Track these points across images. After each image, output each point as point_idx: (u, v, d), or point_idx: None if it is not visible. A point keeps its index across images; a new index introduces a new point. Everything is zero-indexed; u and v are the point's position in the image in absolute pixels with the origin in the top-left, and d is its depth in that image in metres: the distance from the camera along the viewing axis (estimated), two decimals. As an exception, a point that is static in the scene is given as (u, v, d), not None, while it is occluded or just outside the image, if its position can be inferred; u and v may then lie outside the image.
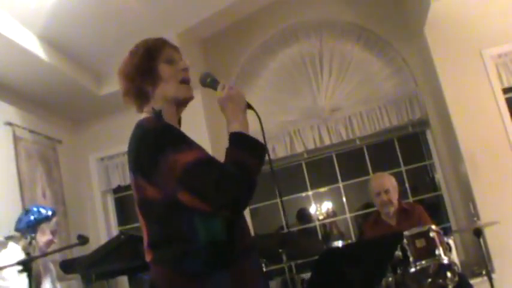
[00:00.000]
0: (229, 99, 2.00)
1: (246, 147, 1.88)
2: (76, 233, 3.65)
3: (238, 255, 1.89)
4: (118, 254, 3.73)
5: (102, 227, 6.13)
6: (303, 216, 6.56)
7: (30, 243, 3.74)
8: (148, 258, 1.93)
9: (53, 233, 3.91)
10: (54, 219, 3.96)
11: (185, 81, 2.11)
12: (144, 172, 1.89)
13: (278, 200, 5.62)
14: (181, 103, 2.13)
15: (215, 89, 2.09)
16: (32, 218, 3.84)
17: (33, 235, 3.78)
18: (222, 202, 1.75)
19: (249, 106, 2.04)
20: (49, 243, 3.87)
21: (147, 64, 2.09)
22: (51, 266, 4.01)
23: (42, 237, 3.84)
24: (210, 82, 2.14)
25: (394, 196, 4.58)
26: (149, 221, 1.95)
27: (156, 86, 2.08)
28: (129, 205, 6.48)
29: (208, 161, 1.83)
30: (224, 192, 1.75)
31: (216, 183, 1.74)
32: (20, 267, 3.12)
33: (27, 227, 3.81)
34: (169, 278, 1.86)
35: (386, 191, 4.56)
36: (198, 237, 1.84)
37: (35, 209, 3.93)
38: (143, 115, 2.10)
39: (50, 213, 3.95)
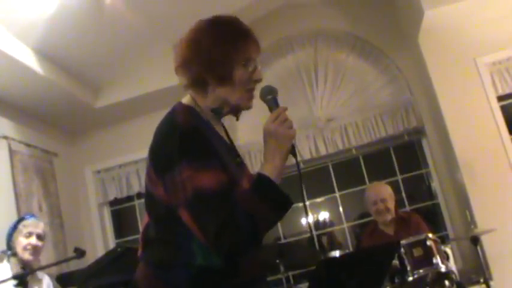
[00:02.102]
0: (273, 136, 1.76)
1: (268, 199, 1.67)
2: (73, 246, 3.63)
3: (238, 286, 1.77)
4: (115, 266, 3.71)
5: (99, 239, 6.11)
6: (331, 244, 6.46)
7: (8, 261, 3.68)
8: (139, 253, 1.87)
9: (30, 234, 3.76)
10: (28, 221, 3.84)
11: (251, 91, 1.91)
12: (158, 169, 1.75)
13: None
14: (237, 111, 1.94)
15: (270, 110, 1.85)
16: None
17: (9, 253, 3.71)
18: (218, 247, 1.64)
19: (293, 152, 1.80)
20: (28, 248, 3.72)
21: (220, 56, 1.83)
22: (48, 280, 3.97)
23: (19, 246, 3.72)
24: (270, 100, 1.89)
25: (391, 204, 4.58)
26: (151, 217, 1.84)
27: (222, 86, 1.84)
28: (126, 217, 6.47)
29: (221, 194, 1.64)
30: (223, 240, 1.62)
31: (219, 227, 1.60)
32: (15, 282, 3.10)
33: (7, 243, 3.76)
34: (150, 280, 1.78)
35: (383, 200, 4.56)
36: (193, 256, 1.71)
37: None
38: (184, 98, 1.90)
39: (23, 216, 3.89)
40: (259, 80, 1.91)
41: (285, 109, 1.83)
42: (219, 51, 1.82)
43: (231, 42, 1.86)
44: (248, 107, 1.92)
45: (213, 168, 1.68)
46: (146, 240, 1.83)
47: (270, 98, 1.88)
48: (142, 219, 5.95)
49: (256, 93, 1.92)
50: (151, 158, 1.80)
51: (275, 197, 1.69)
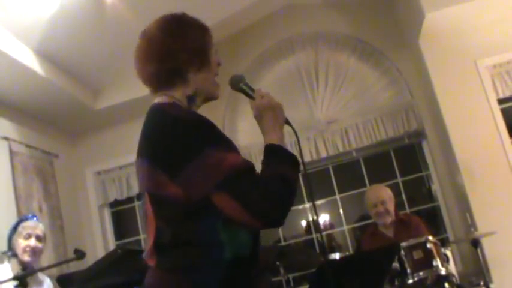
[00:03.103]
0: (271, 108, 1.88)
1: (286, 160, 1.76)
2: (73, 248, 3.63)
3: (257, 275, 1.78)
4: (115, 268, 3.71)
5: (99, 241, 6.10)
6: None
7: (9, 262, 3.68)
8: (151, 262, 1.75)
9: (29, 236, 3.74)
10: (27, 223, 3.82)
11: (216, 76, 1.97)
12: (167, 167, 1.70)
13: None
14: (206, 100, 1.98)
15: (250, 95, 1.94)
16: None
17: (9, 254, 3.71)
18: (269, 215, 1.64)
19: (287, 122, 1.94)
20: (28, 250, 3.70)
21: (202, 43, 1.93)
22: (49, 283, 3.97)
23: (18, 248, 3.71)
24: (244, 86, 1.96)
25: (391, 207, 4.57)
26: (162, 221, 1.73)
27: (202, 72, 1.90)
28: (126, 219, 6.47)
29: (253, 168, 1.70)
30: (272, 205, 1.63)
31: (264, 195, 1.63)
32: (16, 282, 3.10)
33: (8, 244, 3.76)
34: (176, 283, 1.69)
35: (383, 202, 4.56)
36: (221, 249, 1.68)
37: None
38: (159, 98, 1.88)
39: (23, 217, 3.89)
40: (221, 64, 1.99)
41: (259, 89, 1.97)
42: (202, 39, 1.95)
43: (206, 30, 2.01)
44: (217, 96, 1.99)
45: (234, 149, 1.73)
46: (160, 246, 1.73)
47: (244, 84, 1.96)
48: (142, 221, 5.97)
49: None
50: (152, 158, 1.76)
51: (291, 157, 1.79)
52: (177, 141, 1.70)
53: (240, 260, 1.71)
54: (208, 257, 1.69)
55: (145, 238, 1.85)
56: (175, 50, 1.89)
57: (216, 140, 1.70)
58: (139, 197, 6.19)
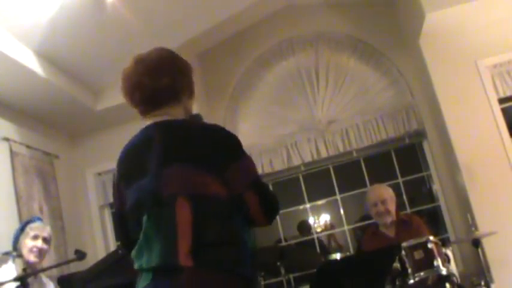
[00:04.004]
0: None
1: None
2: (73, 248, 3.64)
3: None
4: (116, 269, 3.71)
5: (99, 241, 6.10)
6: (304, 228, 6.56)
7: (14, 262, 3.69)
8: (187, 263, 1.86)
9: (36, 237, 3.79)
10: (35, 224, 3.86)
11: None
12: (213, 168, 1.95)
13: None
14: None
15: None
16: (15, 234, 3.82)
17: (15, 254, 3.72)
18: (274, 216, 2.05)
19: None
20: (34, 251, 3.74)
21: (191, 78, 2.24)
22: (52, 286, 3.97)
23: (24, 248, 3.75)
24: None
25: (392, 206, 4.57)
26: (203, 222, 1.91)
27: (189, 98, 2.23)
28: (126, 220, 6.46)
29: None
30: (277, 208, 2.06)
31: (274, 198, 2.05)
32: (17, 283, 3.10)
33: (13, 244, 3.78)
34: (225, 283, 1.86)
35: (383, 201, 4.55)
36: (248, 242, 1.97)
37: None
38: (172, 114, 2.15)
39: (30, 219, 3.91)
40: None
41: None
42: (190, 76, 2.25)
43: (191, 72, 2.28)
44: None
45: None
46: (200, 247, 1.87)
47: None
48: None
49: None
50: (198, 164, 1.96)
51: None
52: (223, 147, 2.00)
53: (255, 251, 2.02)
54: (246, 254, 1.94)
55: (166, 242, 1.91)
56: (183, 74, 2.20)
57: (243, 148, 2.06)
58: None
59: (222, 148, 2.00)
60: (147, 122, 2.17)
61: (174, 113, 2.14)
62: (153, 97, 2.15)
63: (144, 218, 1.96)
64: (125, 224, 2.11)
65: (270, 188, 2.10)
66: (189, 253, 1.85)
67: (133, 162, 2.11)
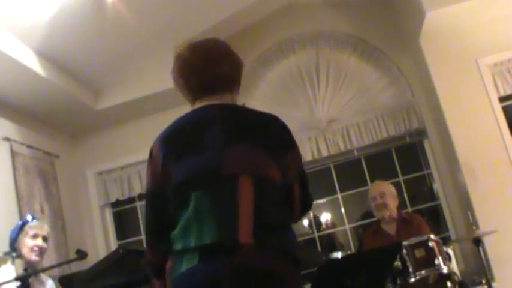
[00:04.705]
0: None
1: None
2: (74, 248, 3.64)
3: None
4: (117, 268, 3.71)
5: (100, 241, 6.11)
6: (316, 224, 6.53)
7: (13, 262, 3.69)
8: (248, 240, 1.83)
9: (35, 236, 3.79)
10: (34, 223, 3.86)
11: None
12: (274, 153, 1.98)
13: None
14: None
15: None
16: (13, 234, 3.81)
17: (14, 254, 3.72)
18: (308, 210, 2.19)
19: None
20: (35, 250, 3.75)
21: (242, 73, 2.26)
22: (52, 283, 3.97)
23: (25, 247, 3.74)
24: None
25: (391, 201, 4.57)
26: (264, 202, 1.91)
27: (238, 92, 2.24)
28: (127, 219, 6.47)
29: None
30: (311, 205, 2.19)
31: (311, 196, 2.16)
32: (18, 283, 3.10)
33: (11, 245, 3.77)
34: (282, 264, 1.87)
35: (382, 195, 4.57)
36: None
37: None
38: (226, 100, 2.15)
39: (29, 218, 3.91)
40: None
41: None
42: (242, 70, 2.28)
43: None
44: None
45: None
46: (261, 226, 1.86)
47: None
48: (143, 221, 5.97)
49: None
50: (263, 146, 1.98)
51: None
52: (281, 134, 2.06)
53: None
54: (295, 238, 2.00)
55: (225, 220, 1.88)
56: (239, 67, 2.23)
57: None
58: (140, 197, 6.21)
59: (280, 135, 2.05)
60: (197, 105, 2.15)
61: (226, 101, 2.14)
62: (211, 83, 2.13)
63: (196, 193, 1.91)
64: (162, 202, 2.01)
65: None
66: (250, 232, 1.84)
67: (188, 138, 2.04)
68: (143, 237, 6.24)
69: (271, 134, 2.04)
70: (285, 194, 1.99)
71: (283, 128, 2.09)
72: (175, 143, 2.05)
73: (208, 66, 2.12)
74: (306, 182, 2.09)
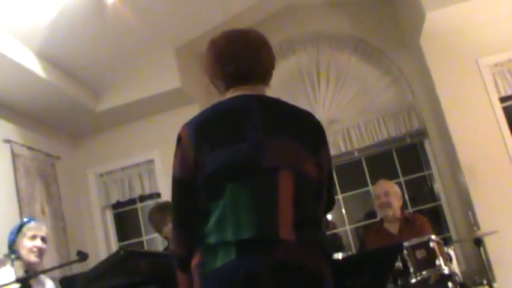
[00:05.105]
0: None
1: None
2: (75, 249, 3.63)
3: None
4: (118, 270, 3.70)
5: (101, 243, 6.10)
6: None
7: (12, 264, 3.69)
8: (289, 236, 1.78)
9: (34, 237, 3.76)
10: (31, 224, 3.83)
11: None
12: (312, 148, 1.95)
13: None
14: None
15: None
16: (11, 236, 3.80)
17: (13, 256, 3.72)
18: (330, 211, 2.16)
19: None
20: (34, 251, 3.71)
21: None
22: (51, 284, 3.97)
23: (23, 249, 3.72)
24: None
25: (394, 200, 4.57)
26: (302, 198, 1.85)
27: (268, 84, 2.17)
28: (128, 220, 6.47)
29: None
30: (333, 207, 2.15)
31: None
32: (18, 285, 3.10)
33: (10, 247, 3.77)
34: (320, 260, 1.84)
35: (386, 194, 4.57)
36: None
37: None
38: (259, 91, 2.09)
39: (25, 220, 3.90)
40: None
41: None
42: None
43: None
44: None
45: None
46: (300, 222, 1.82)
47: None
48: (145, 222, 5.98)
49: None
50: (302, 141, 1.94)
51: None
52: (317, 130, 2.04)
53: None
54: (325, 235, 2.02)
55: (265, 214, 1.81)
56: (274, 60, 2.17)
57: None
58: (141, 198, 6.21)
59: (315, 131, 2.03)
60: (230, 95, 2.05)
61: (260, 93, 2.07)
62: (249, 71, 2.04)
63: (233, 185, 1.82)
64: (192, 191, 1.90)
65: None
66: (291, 227, 1.79)
67: (225, 127, 1.93)
68: (144, 238, 6.24)
69: (308, 128, 2.02)
70: (319, 191, 1.97)
71: (318, 124, 2.07)
72: (210, 130, 1.93)
73: (248, 53, 2.05)
74: (333, 182, 2.10)
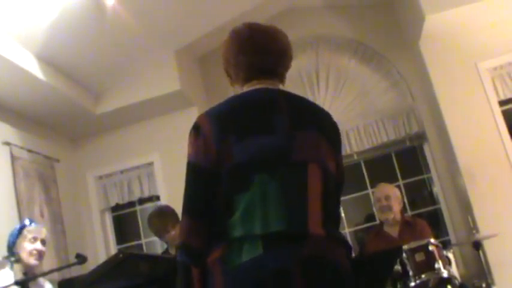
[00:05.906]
0: None
1: None
2: (74, 252, 3.63)
3: None
4: (117, 272, 3.70)
5: (100, 245, 6.10)
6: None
7: (12, 267, 3.69)
8: (319, 231, 1.75)
9: (34, 239, 3.76)
10: (32, 227, 3.83)
11: None
12: (334, 145, 1.97)
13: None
14: None
15: None
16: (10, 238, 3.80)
17: (12, 259, 3.71)
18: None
19: None
20: (34, 253, 3.72)
21: None
22: (50, 286, 3.97)
23: (24, 251, 3.73)
24: None
25: (395, 204, 4.58)
26: (327, 193, 1.83)
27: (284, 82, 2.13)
28: (127, 223, 6.46)
29: None
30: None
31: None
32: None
33: (9, 249, 3.77)
34: (345, 256, 1.84)
35: (387, 197, 4.58)
36: None
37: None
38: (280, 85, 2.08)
39: (26, 222, 3.90)
40: None
41: None
42: None
43: None
44: None
45: None
46: (327, 217, 1.80)
47: None
48: (144, 225, 5.97)
49: None
50: (327, 137, 1.95)
51: None
52: (336, 129, 2.07)
53: None
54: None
55: (294, 207, 1.75)
56: (292, 59, 2.13)
57: None
58: (140, 201, 6.21)
59: (334, 131, 2.04)
60: (252, 86, 2.00)
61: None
62: (275, 66, 2.02)
63: (261, 176, 1.75)
64: (212, 180, 1.79)
65: None
66: (320, 222, 1.76)
67: (251, 117, 1.86)
68: (143, 241, 6.24)
69: (330, 126, 2.04)
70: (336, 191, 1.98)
71: (336, 124, 2.10)
72: (236, 121, 1.85)
73: (277, 48, 2.02)
74: (340, 195, 2.06)
